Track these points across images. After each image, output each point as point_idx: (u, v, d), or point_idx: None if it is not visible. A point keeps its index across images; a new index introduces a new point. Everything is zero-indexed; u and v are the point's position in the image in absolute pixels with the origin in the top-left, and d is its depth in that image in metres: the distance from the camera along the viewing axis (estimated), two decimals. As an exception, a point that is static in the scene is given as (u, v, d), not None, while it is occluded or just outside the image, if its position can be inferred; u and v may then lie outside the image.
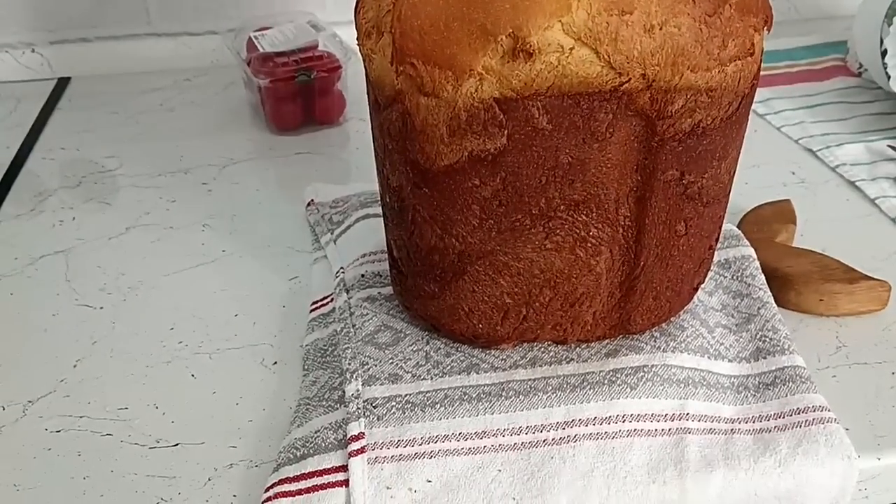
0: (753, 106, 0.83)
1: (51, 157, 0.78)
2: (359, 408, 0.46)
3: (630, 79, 0.40)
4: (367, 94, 0.46)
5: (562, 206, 0.44)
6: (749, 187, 0.70)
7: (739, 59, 0.41)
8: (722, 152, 0.44)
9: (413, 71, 0.40)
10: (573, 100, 0.40)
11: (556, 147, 0.42)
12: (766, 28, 0.43)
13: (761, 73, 0.92)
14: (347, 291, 0.55)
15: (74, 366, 0.53)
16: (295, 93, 0.78)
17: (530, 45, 0.38)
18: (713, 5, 0.40)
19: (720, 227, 0.50)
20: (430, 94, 0.41)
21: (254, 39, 0.80)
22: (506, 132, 0.41)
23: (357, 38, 0.44)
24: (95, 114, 0.85)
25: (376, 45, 0.42)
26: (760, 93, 0.85)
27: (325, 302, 0.56)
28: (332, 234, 0.62)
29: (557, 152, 0.42)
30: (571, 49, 0.39)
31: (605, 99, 0.41)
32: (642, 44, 0.39)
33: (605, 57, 0.39)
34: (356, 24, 0.44)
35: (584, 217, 0.45)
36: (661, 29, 0.39)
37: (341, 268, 0.57)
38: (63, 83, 0.91)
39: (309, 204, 0.67)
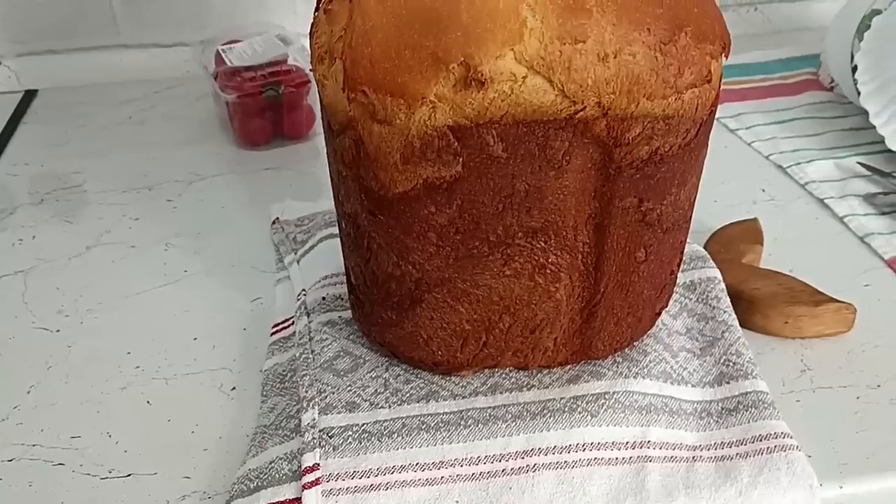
0: (725, 121, 0.84)
1: (14, 172, 0.77)
2: (314, 438, 0.45)
3: (585, 107, 0.39)
4: (322, 118, 0.45)
5: (520, 234, 0.43)
6: (718, 205, 0.70)
7: (696, 87, 0.41)
8: (681, 179, 0.44)
9: (365, 98, 0.40)
10: (528, 128, 0.40)
11: (512, 174, 0.41)
12: (723, 55, 0.42)
13: (734, 86, 0.92)
14: (308, 315, 0.54)
15: (28, 392, 0.52)
16: (263, 108, 0.77)
17: (482, 74, 0.38)
18: (669, 33, 0.39)
19: (681, 253, 0.50)
20: (383, 121, 0.40)
21: (221, 53, 0.79)
22: (461, 160, 0.41)
23: (311, 62, 0.43)
24: (62, 127, 0.84)
25: (328, 71, 0.41)
26: (732, 107, 0.85)
27: (286, 325, 0.55)
28: (295, 254, 0.62)
29: (514, 180, 0.42)
30: (524, 78, 0.38)
31: (561, 127, 0.40)
32: (596, 72, 0.38)
33: (559, 86, 0.38)
34: (310, 48, 0.44)
35: (543, 244, 0.44)
36: (615, 57, 0.38)
37: (303, 290, 0.57)
38: (30, 96, 0.90)
39: (274, 222, 0.66)
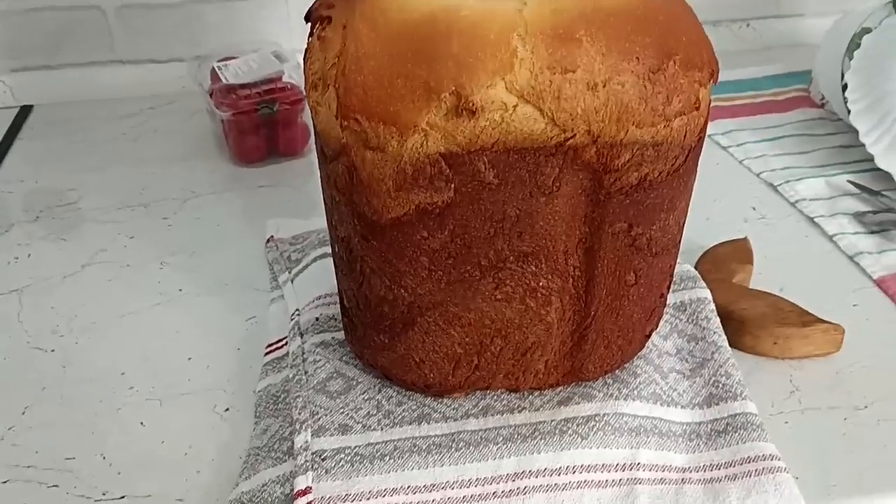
0: (716, 138, 0.84)
1: (9, 189, 0.77)
2: (307, 460, 0.45)
3: (575, 134, 0.40)
4: (315, 143, 0.46)
5: (511, 258, 0.44)
6: (710, 223, 0.70)
7: (685, 114, 0.41)
8: (670, 204, 0.45)
9: (358, 126, 0.40)
10: (519, 154, 0.40)
11: (503, 200, 0.42)
12: (712, 81, 0.43)
13: (725, 103, 0.92)
14: (302, 335, 0.54)
15: (23, 413, 0.52)
16: (258, 125, 0.78)
17: (473, 103, 0.38)
18: (657, 62, 0.40)
19: (670, 276, 0.50)
20: (376, 148, 0.40)
21: (217, 70, 0.80)
22: (453, 186, 0.41)
23: (304, 89, 0.44)
24: (57, 143, 0.84)
25: (322, 98, 0.42)
26: (723, 124, 0.86)
27: (280, 345, 0.56)
28: (289, 273, 0.62)
29: (505, 205, 0.42)
30: (515, 106, 0.39)
31: (551, 154, 0.40)
32: (586, 101, 0.39)
33: (549, 114, 0.39)
34: (304, 74, 0.44)
35: (534, 268, 0.44)
36: (604, 86, 0.39)
37: (297, 310, 0.57)
38: (26, 111, 0.91)
39: (268, 241, 0.67)
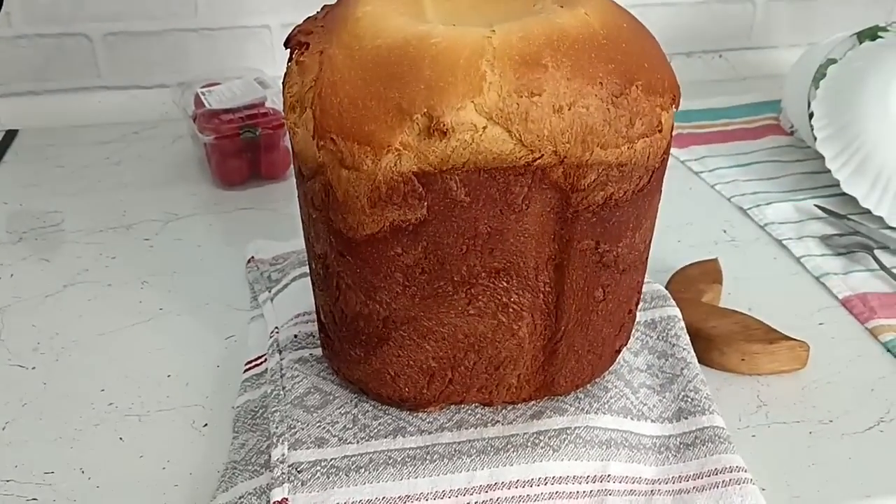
0: (689, 163, 0.87)
1: (-7, 211, 0.78)
2: (283, 472, 0.46)
3: (542, 155, 0.41)
4: (293, 163, 0.47)
5: (483, 274, 0.45)
6: (682, 245, 0.72)
7: (648, 136, 0.43)
8: (635, 223, 0.46)
9: (333, 146, 0.42)
10: (489, 174, 0.42)
11: (474, 218, 0.43)
12: (673, 106, 0.45)
13: (699, 130, 0.95)
14: (280, 352, 0.55)
15: (3, 428, 0.53)
16: (240, 149, 0.79)
17: (444, 125, 0.40)
18: (620, 87, 0.41)
19: (639, 293, 0.52)
20: (351, 167, 0.42)
21: (201, 96, 0.81)
22: (426, 204, 0.43)
23: (283, 111, 0.45)
24: (41, 167, 0.86)
25: (299, 119, 0.43)
26: (696, 150, 0.89)
27: (258, 362, 0.57)
28: (269, 292, 0.63)
29: (476, 223, 0.44)
30: (484, 128, 0.40)
31: (520, 173, 0.42)
32: (552, 123, 0.41)
33: (517, 135, 0.41)
34: (283, 97, 0.46)
35: (505, 284, 0.46)
36: (569, 109, 0.41)
37: (276, 328, 0.58)
38: (11, 135, 0.92)
39: (249, 261, 0.68)
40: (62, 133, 0.92)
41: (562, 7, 0.45)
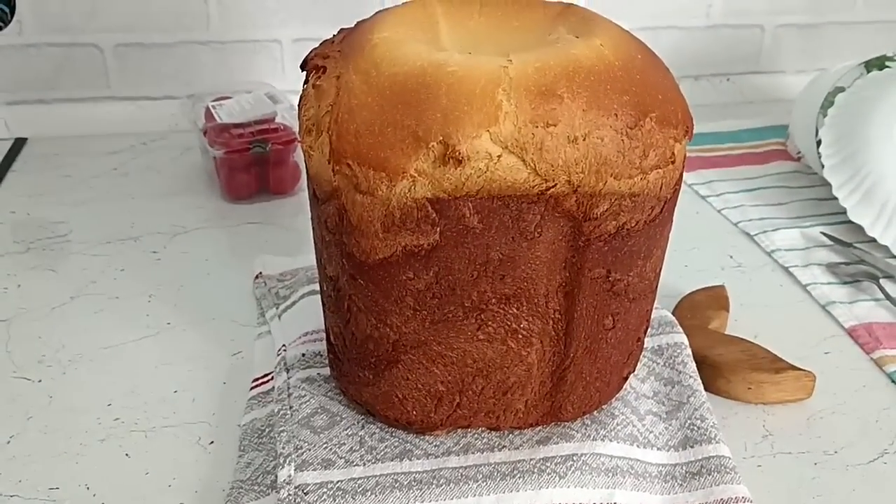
0: (696, 187, 0.87)
1: (0, 220, 0.78)
2: (290, 494, 0.46)
3: (556, 184, 0.42)
4: (307, 186, 0.47)
5: (493, 300, 0.45)
6: (689, 270, 0.72)
7: (661, 168, 0.43)
8: (646, 252, 0.46)
9: (349, 171, 0.42)
10: (502, 201, 0.42)
11: (486, 244, 0.44)
12: (686, 138, 0.45)
13: (706, 154, 0.95)
14: (287, 371, 0.55)
15: (8, 442, 0.53)
16: (249, 163, 0.80)
17: (459, 153, 0.40)
18: (634, 119, 0.42)
19: (647, 321, 0.52)
20: (366, 192, 0.42)
21: (211, 109, 0.82)
22: (438, 229, 0.43)
23: (299, 133, 0.46)
24: (50, 176, 0.86)
25: (315, 143, 0.44)
26: (703, 174, 0.89)
27: (265, 380, 0.57)
28: (277, 308, 0.63)
29: (488, 249, 0.44)
30: (499, 157, 0.41)
31: (533, 201, 0.42)
32: (566, 153, 0.41)
33: (532, 164, 0.41)
34: (298, 119, 0.46)
35: (515, 310, 0.46)
36: (584, 140, 0.41)
37: (283, 346, 0.58)
38: (20, 144, 0.92)
39: (257, 277, 0.68)
40: (71, 142, 0.92)
41: (577, 37, 0.45)
